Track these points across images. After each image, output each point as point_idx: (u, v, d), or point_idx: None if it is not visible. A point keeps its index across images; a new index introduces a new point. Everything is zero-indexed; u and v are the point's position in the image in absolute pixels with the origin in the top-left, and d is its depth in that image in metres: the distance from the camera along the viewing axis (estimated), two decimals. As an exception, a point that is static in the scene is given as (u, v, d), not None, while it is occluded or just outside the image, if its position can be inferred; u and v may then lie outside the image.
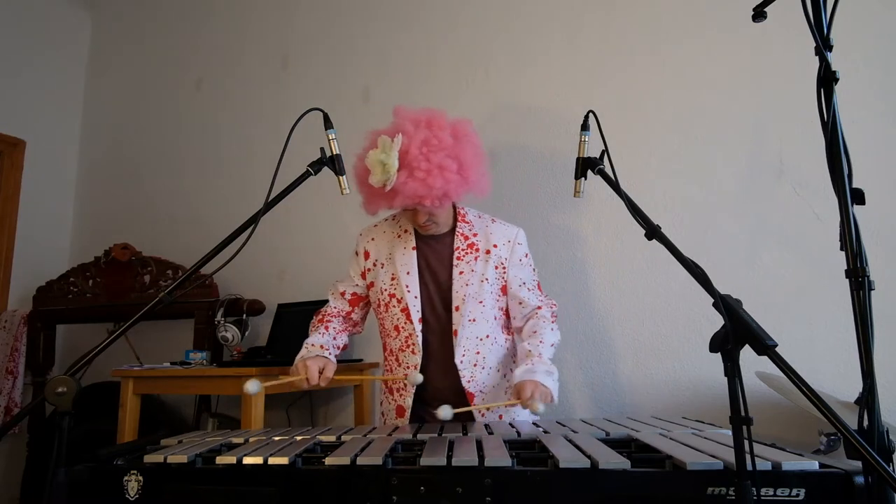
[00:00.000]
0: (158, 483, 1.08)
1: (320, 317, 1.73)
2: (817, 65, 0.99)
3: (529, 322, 1.65)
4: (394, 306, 1.64)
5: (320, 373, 1.50)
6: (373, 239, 1.72)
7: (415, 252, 1.64)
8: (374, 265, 1.68)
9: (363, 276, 1.72)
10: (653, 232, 1.12)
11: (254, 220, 1.24)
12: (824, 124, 0.97)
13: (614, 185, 1.24)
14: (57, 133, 3.66)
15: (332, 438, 1.29)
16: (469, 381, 1.62)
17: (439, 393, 1.62)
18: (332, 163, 1.40)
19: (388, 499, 0.99)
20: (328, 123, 1.40)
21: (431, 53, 2.65)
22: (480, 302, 1.62)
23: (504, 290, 1.67)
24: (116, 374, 2.39)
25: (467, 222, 1.68)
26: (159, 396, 2.94)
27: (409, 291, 1.61)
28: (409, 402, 1.64)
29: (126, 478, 1.09)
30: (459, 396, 1.61)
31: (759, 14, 1.10)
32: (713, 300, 0.92)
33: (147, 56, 3.61)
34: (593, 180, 1.39)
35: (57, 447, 0.98)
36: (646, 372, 2.06)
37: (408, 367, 1.62)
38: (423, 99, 2.63)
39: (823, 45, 0.99)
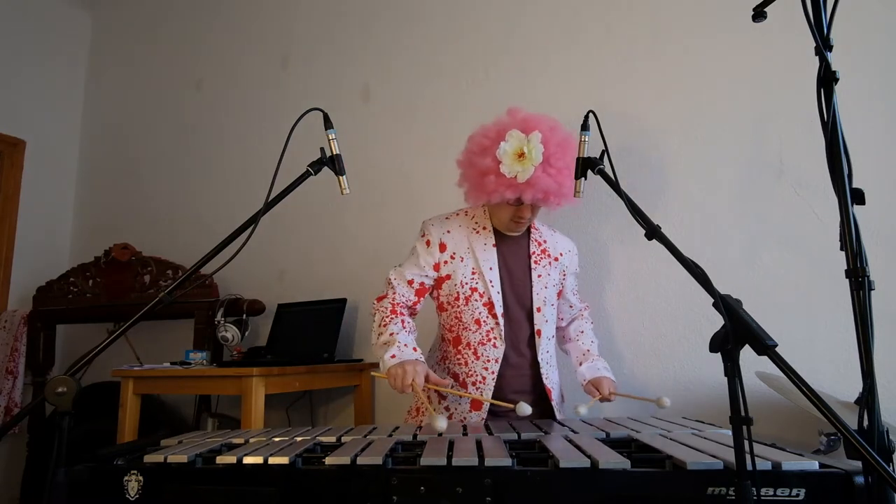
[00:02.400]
0: (158, 483, 1.08)
1: (391, 306, 1.64)
2: (817, 65, 0.99)
3: (575, 322, 1.87)
4: (475, 300, 1.65)
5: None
6: (448, 231, 1.70)
7: (496, 249, 1.68)
8: (452, 258, 1.68)
9: (436, 268, 1.69)
10: (653, 232, 1.12)
11: (254, 220, 1.24)
12: (824, 124, 0.97)
13: (614, 185, 1.24)
14: (57, 133, 3.67)
15: (332, 438, 1.29)
16: (546, 378, 1.70)
17: (517, 388, 1.67)
18: (332, 163, 1.40)
19: (388, 499, 0.99)
20: (328, 123, 1.39)
21: (432, 54, 2.65)
22: (552, 305, 1.74)
23: (559, 294, 1.78)
24: (116, 374, 2.39)
25: (537, 229, 1.76)
26: (159, 396, 2.94)
27: (492, 286, 1.64)
28: (488, 394, 1.63)
29: (126, 478, 1.09)
30: (539, 392, 1.70)
31: (759, 14, 1.10)
32: (713, 300, 0.92)
33: (147, 56, 3.61)
34: (593, 180, 1.39)
35: (57, 447, 0.98)
36: (646, 372, 2.06)
37: (488, 361, 1.64)
38: (423, 99, 2.64)
39: (823, 45, 0.99)
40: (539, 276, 1.70)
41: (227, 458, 1.10)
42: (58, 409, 0.99)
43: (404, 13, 2.75)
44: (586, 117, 1.42)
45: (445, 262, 1.68)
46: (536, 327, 1.67)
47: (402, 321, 1.61)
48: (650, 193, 2.10)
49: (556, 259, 1.74)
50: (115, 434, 2.35)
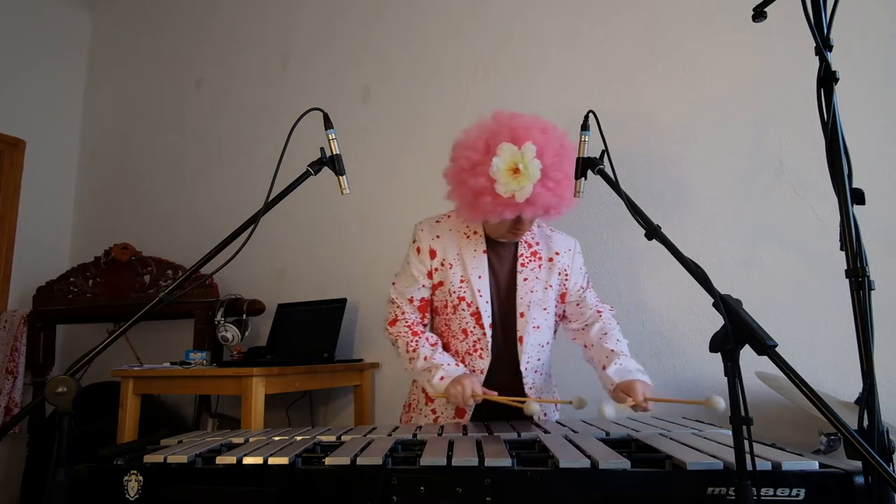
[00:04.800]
0: (158, 483, 1.08)
1: (409, 330, 1.62)
2: (817, 65, 0.99)
3: (596, 326, 1.66)
4: (463, 309, 1.61)
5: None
6: (438, 236, 1.65)
7: (485, 255, 1.62)
8: (443, 265, 1.63)
9: (429, 275, 1.64)
10: (653, 232, 1.12)
11: (254, 220, 1.24)
12: (824, 124, 0.97)
13: (614, 184, 1.24)
14: (57, 133, 3.67)
15: (332, 438, 1.29)
16: (531, 388, 1.63)
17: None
18: (332, 163, 1.40)
19: (388, 499, 0.99)
20: (328, 123, 1.39)
21: (432, 54, 2.65)
22: (545, 309, 1.64)
23: (563, 297, 1.68)
24: (116, 374, 2.39)
25: (530, 230, 1.67)
26: (159, 396, 2.94)
27: (480, 296, 1.59)
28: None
29: (126, 478, 1.09)
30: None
31: (759, 14, 1.10)
32: (713, 300, 0.92)
33: (147, 56, 3.61)
34: (593, 180, 1.39)
35: (57, 447, 0.98)
36: (646, 372, 2.05)
37: (474, 371, 1.60)
38: (424, 99, 2.64)
39: (823, 45, 0.99)
40: (525, 279, 1.62)
41: (227, 458, 1.10)
42: (58, 409, 0.99)
43: (404, 13, 2.75)
44: (586, 117, 1.42)
45: (437, 270, 1.64)
46: (519, 334, 1.61)
47: (427, 339, 1.60)
48: (650, 193, 2.10)
49: (551, 260, 1.65)
50: (115, 434, 2.35)
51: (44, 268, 3.39)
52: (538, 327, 1.63)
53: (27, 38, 3.53)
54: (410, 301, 1.66)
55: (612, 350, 1.55)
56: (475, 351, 1.61)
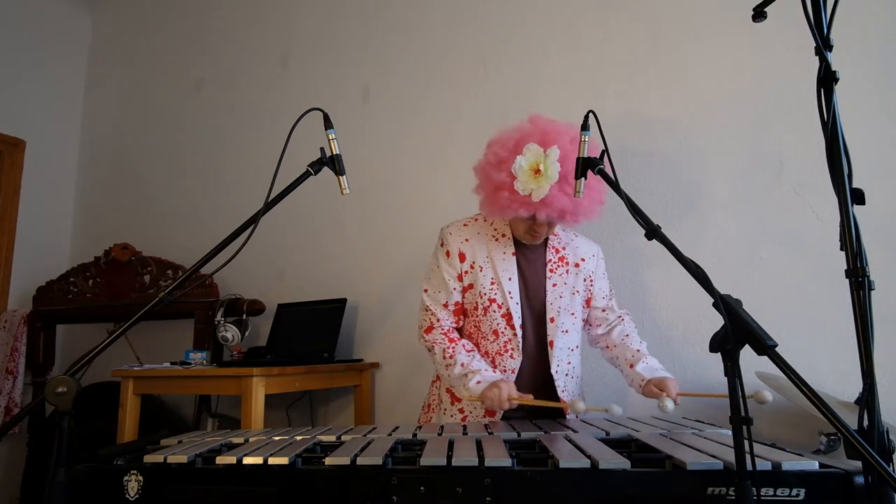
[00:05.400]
0: (158, 483, 1.08)
1: (445, 338, 1.63)
2: (817, 65, 0.99)
3: (617, 329, 1.75)
4: (494, 311, 1.62)
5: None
6: (466, 240, 1.66)
7: (514, 258, 1.64)
8: (472, 267, 1.64)
9: (460, 278, 1.65)
10: (653, 232, 1.12)
11: (254, 220, 1.24)
12: (824, 124, 0.97)
13: (614, 185, 1.24)
14: (57, 133, 3.67)
15: (332, 438, 1.29)
16: (563, 391, 1.64)
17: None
18: (332, 163, 1.40)
19: (388, 499, 0.99)
20: (328, 123, 1.39)
21: (432, 54, 2.65)
22: (573, 314, 1.67)
23: (588, 302, 1.72)
24: (116, 374, 2.39)
25: (555, 235, 1.70)
26: (159, 396, 2.94)
27: (511, 297, 1.60)
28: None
29: (126, 478, 1.09)
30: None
31: (759, 14, 1.10)
32: (713, 300, 0.92)
33: (147, 56, 3.61)
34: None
35: (57, 447, 0.98)
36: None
37: (505, 371, 1.61)
38: (424, 99, 2.64)
39: (823, 45, 0.98)
40: (554, 284, 1.64)
41: (227, 458, 1.10)
42: (58, 409, 0.99)
43: (404, 13, 2.75)
44: (586, 117, 1.42)
45: (466, 273, 1.65)
46: (549, 338, 1.63)
47: (463, 346, 1.61)
48: (650, 193, 2.10)
49: (577, 265, 1.68)
50: (115, 434, 2.35)
51: (44, 268, 3.39)
52: (567, 332, 1.65)
53: (27, 38, 3.53)
54: (445, 306, 1.67)
55: (639, 350, 1.65)
56: (506, 351, 1.62)
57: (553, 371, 1.63)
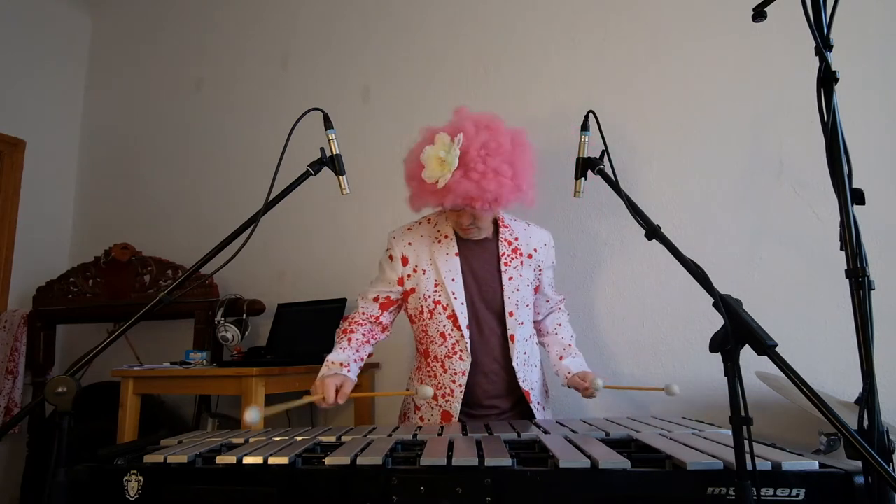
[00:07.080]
0: (158, 483, 1.08)
1: (345, 326, 1.68)
2: (817, 65, 0.99)
3: (552, 315, 1.81)
4: (439, 313, 1.62)
5: (337, 391, 1.49)
6: (409, 243, 1.67)
7: (458, 258, 1.63)
8: (415, 271, 1.65)
9: (400, 282, 1.67)
10: (653, 232, 1.12)
11: (254, 220, 1.24)
12: (824, 124, 0.97)
13: (614, 185, 1.24)
14: (57, 133, 3.67)
15: (332, 438, 1.29)
16: (524, 381, 1.65)
17: (493, 394, 1.64)
18: (332, 163, 1.40)
19: (388, 499, 0.99)
20: (328, 123, 1.40)
21: (432, 54, 2.65)
22: (528, 305, 1.68)
23: (536, 290, 1.72)
24: (116, 374, 2.39)
25: (507, 226, 1.69)
26: (159, 396, 2.94)
27: (455, 298, 1.60)
28: (456, 407, 1.61)
29: (126, 478, 1.09)
30: (517, 396, 1.66)
31: (759, 14, 1.10)
32: (713, 300, 0.92)
33: (147, 56, 3.61)
34: (593, 180, 1.39)
35: (57, 447, 0.98)
36: (646, 372, 2.06)
37: (455, 374, 1.61)
38: (424, 99, 2.64)
39: (823, 45, 0.99)
40: (510, 278, 1.63)
41: (227, 458, 1.10)
42: (58, 409, 0.99)
43: (404, 13, 2.75)
44: (586, 117, 1.42)
45: (409, 276, 1.66)
46: (509, 332, 1.62)
47: (349, 339, 1.63)
48: (650, 193, 2.10)
49: (530, 256, 1.67)
50: (115, 434, 2.35)
51: (44, 268, 3.39)
52: (523, 324, 1.66)
53: (27, 39, 3.53)
54: (375, 299, 1.69)
55: (570, 345, 1.74)
56: (454, 354, 1.62)
57: (514, 364, 1.63)
